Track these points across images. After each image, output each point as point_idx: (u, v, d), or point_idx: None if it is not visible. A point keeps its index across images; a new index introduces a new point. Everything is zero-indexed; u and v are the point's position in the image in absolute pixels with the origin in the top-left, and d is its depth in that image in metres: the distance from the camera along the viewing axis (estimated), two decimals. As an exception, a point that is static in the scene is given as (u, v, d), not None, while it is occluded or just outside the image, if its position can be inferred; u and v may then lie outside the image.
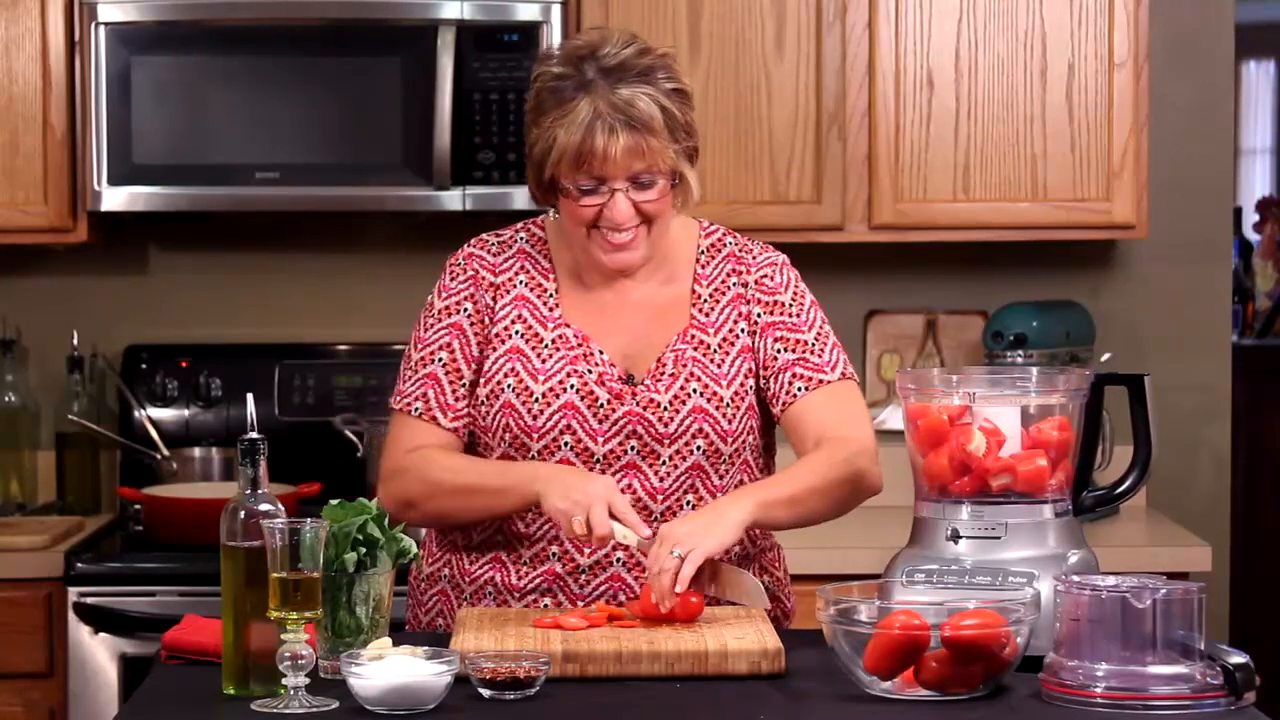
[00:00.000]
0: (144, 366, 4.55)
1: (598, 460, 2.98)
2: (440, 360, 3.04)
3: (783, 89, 4.28)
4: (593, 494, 2.83)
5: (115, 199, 4.23)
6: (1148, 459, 2.87)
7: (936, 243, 4.45)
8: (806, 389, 3.00)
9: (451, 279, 3.08)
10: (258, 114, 4.23)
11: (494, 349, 3.03)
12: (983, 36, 4.28)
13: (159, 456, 4.41)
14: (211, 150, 4.23)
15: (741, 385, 3.02)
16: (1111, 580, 2.54)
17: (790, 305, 3.05)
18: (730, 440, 3.01)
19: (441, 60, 4.17)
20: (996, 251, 4.58)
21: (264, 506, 2.59)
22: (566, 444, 2.98)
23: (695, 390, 2.99)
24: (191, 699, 2.60)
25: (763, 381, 3.04)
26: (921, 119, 4.29)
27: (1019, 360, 4.30)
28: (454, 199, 4.23)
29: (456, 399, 3.03)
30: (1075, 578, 2.57)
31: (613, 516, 2.83)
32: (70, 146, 4.25)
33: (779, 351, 3.03)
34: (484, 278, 3.07)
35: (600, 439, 2.98)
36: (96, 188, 4.21)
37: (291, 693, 2.51)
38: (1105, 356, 4.52)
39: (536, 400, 2.99)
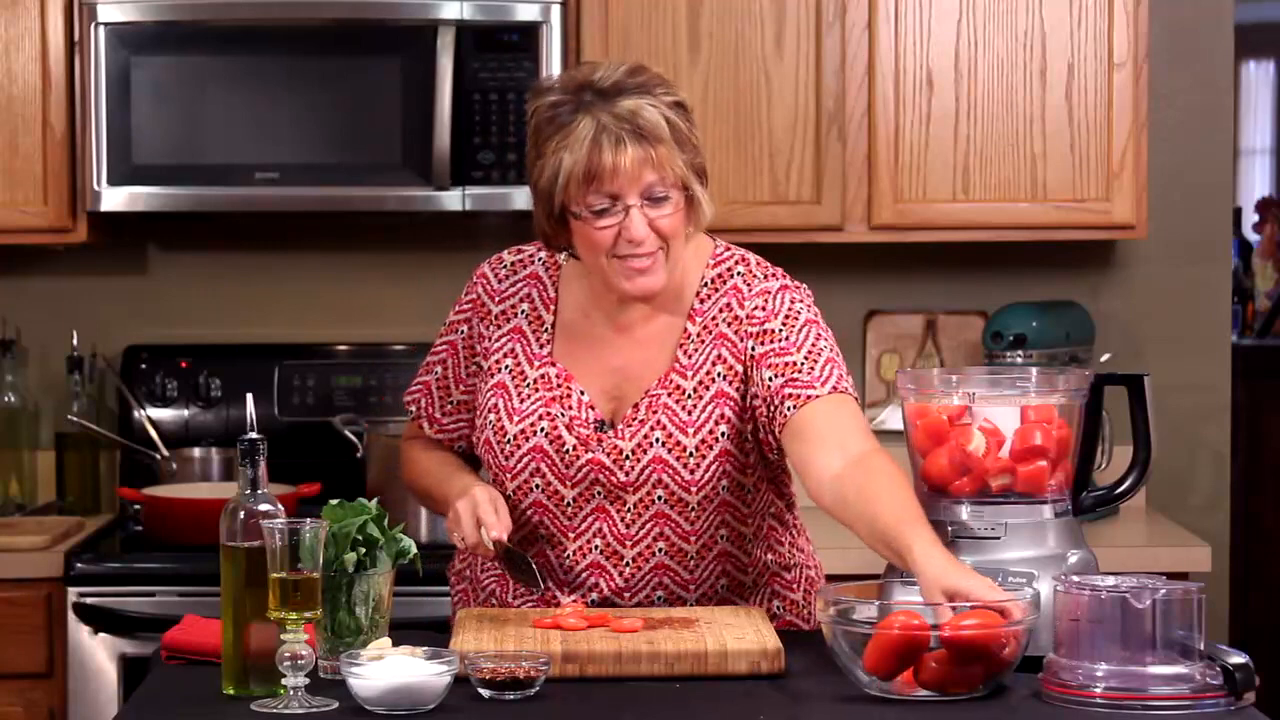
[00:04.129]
0: (144, 366, 4.55)
1: (568, 504, 2.97)
2: (435, 374, 3.11)
3: (783, 89, 4.28)
4: (461, 510, 2.91)
5: (115, 199, 4.22)
6: (1147, 459, 2.87)
7: (936, 243, 4.45)
8: (796, 407, 2.87)
9: (464, 294, 3.09)
10: (258, 114, 4.23)
11: (486, 380, 3.04)
12: (982, 36, 4.28)
13: (159, 457, 4.41)
14: (211, 150, 4.23)
15: (710, 433, 2.93)
16: (1111, 580, 2.54)
17: (780, 330, 2.94)
18: (695, 489, 2.94)
19: (441, 60, 4.17)
20: (996, 251, 4.58)
21: (264, 506, 2.59)
22: (537, 486, 2.98)
23: (658, 439, 2.93)
24: (191, 699, 2.60)
25: (762, 415, 2.92)
26: (921, 119, 4.28)
27: (1019, 360, 4.30)
28: (454, 199, 4.22)
29: (443, 413, 3.11)
30: (1075, 578, 2.57)
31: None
32: (70, 147, 4.25)
33: (770, 379, 2.91)
34: (484, 305, 3.06)
35: (568, 483, 2.97)
36: (96, 188, 4.21)
37: (291, 693, 2.51)
38: (1105, 356, 4.52)
39: (509, 441, 2.98)
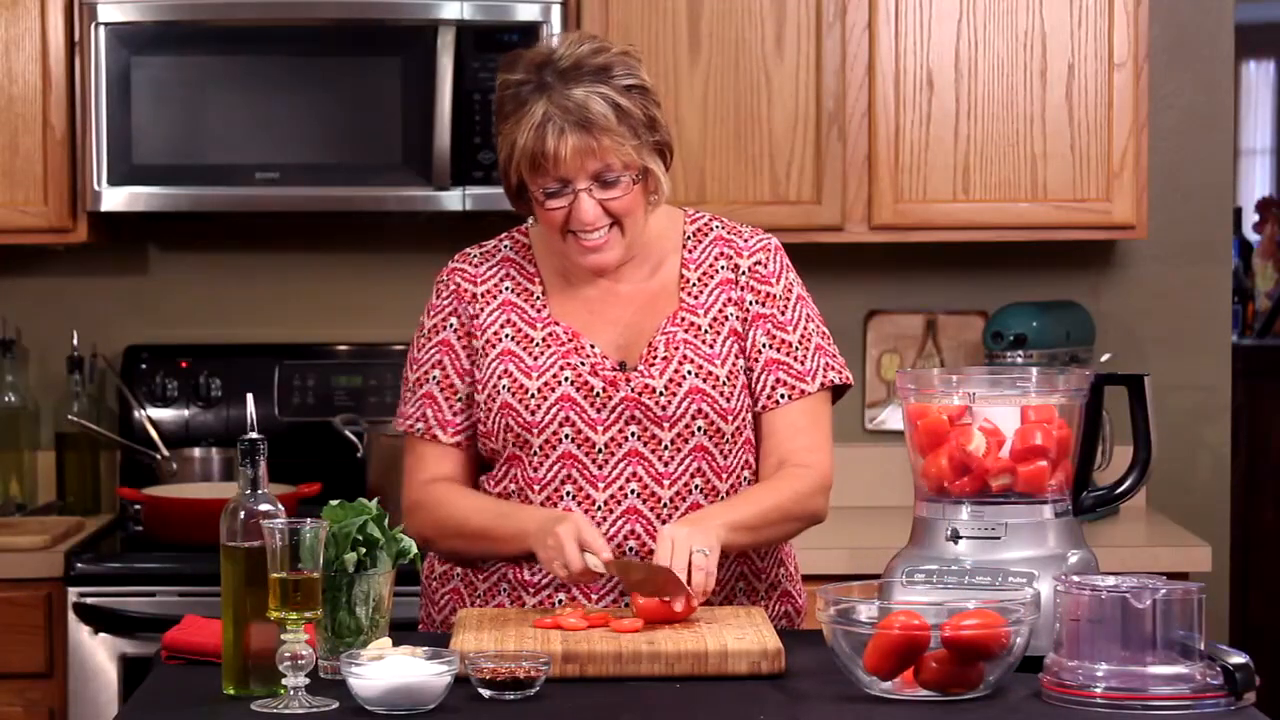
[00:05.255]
0: (144, 366, 4.55)
1: (599, 450, 2.99)
2: (434, 379, 3.08)
3: (783, 89, 4.28)
4: (562, 535, 2.87)
5: (115, 199, 4.23)
6: (1148, 459, 2.87)
7: (936, 243, 4.45)
8: (789, 397, 3.04)
9: (437, 296, 3.12)
10: (258, 114, 4.23)
11: (485, 356, 3.04)
12: (983, 36, 4.28)
13: (159, 456, 4.41)
14: (211, 150, 4.23)
15: (734, 365, 3.03)
16: (1111, 580, 2.54)
17: (780, 299, 3.06)
18: (731, 418, 3.02)
19: (441, 60, 4.17)
20: (996, 251, 4.58)
21: (264, 506, 2.59)
22: (567, 436, 2.99)
23: (690, 371, 3.00)
24: (191, 699, 2.60)
25: (746, 371, 3.05)
26: (921, 119, 4.29)
27: (1019, 360, 4.30)
28: (454, 199, 4.23)
29: (454, 414, 3.08)
30: (1075, 578, 2.57)
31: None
32: (70, 147, 4.25)
33: (764, 346, 3.04)
34: (466, 289, 3.08)
35: (600, 428, 2.99)
36: (96, 188, 4.21)
37: (291, 693, 2.51)
38: (1105, 356, 4.52)
39: (532, 396, 3.00)
